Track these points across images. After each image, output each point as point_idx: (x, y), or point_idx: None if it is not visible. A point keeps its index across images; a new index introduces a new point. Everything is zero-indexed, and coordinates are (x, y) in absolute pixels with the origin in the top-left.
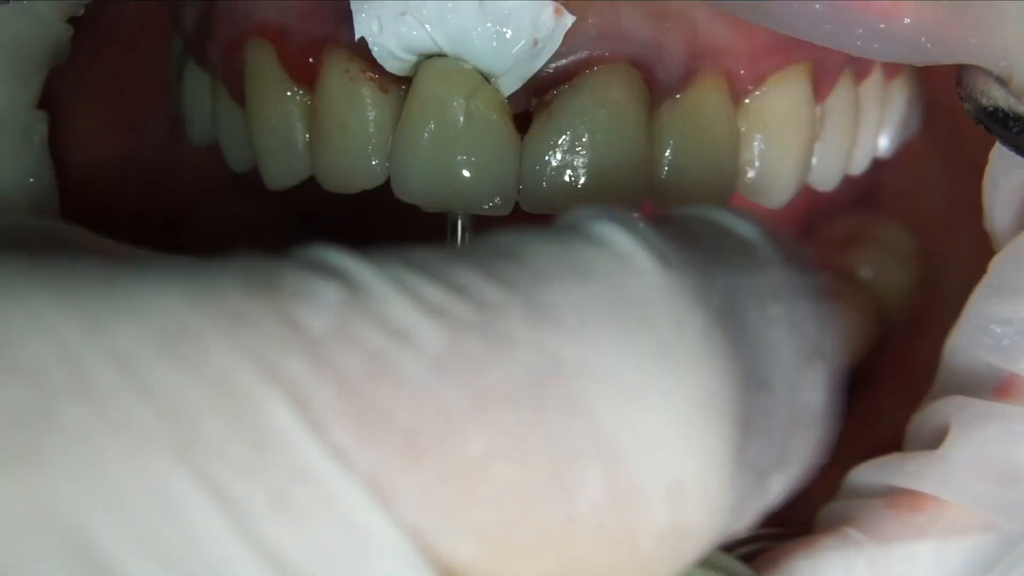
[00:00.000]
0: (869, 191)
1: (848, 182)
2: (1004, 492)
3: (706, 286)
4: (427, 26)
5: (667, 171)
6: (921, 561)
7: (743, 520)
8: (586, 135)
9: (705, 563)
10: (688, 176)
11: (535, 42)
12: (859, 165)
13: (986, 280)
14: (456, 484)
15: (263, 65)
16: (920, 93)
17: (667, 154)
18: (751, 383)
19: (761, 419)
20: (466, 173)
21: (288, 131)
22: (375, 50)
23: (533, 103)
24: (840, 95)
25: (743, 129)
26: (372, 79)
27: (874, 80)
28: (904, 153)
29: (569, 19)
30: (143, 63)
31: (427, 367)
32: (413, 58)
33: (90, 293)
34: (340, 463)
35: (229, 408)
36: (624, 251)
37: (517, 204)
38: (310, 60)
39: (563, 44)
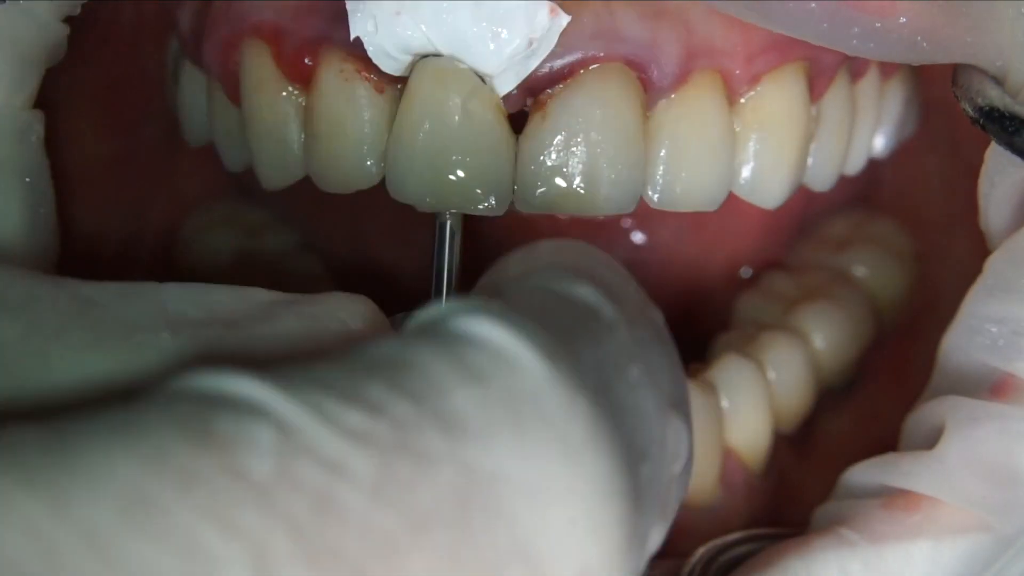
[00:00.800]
0: (866, 191)
1: (845, 182)
2: (999, 492)
3: (580, 368)
4: (422, 26)
5: (662, 171)
6: (916, 561)
7: None
8: (581, 135)
9: None
10: (683, 176)
11: (530, 42)
12: (855, 165)
13: (981, 280)
14: None
15: (258, 65)
16: (917, 93)
17: (662, 154)
18: (633, 457)
19: (646, 488)
20: (461, 173)
21: (283, 131)
22: (370, 50)
23: (528, 103)
24: (836, 95)
25: (738, 129)
26: (367, 79)
27: (870, 80)
28: (901, 153)
29: (564, 19)
30: (140, 64)
31: (365, 497)
32: (408, 58)
33: (42, 465)
34: None
35: (196, 570)
36: (508, 350)
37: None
38: (305, 60)
39: (558, 44)
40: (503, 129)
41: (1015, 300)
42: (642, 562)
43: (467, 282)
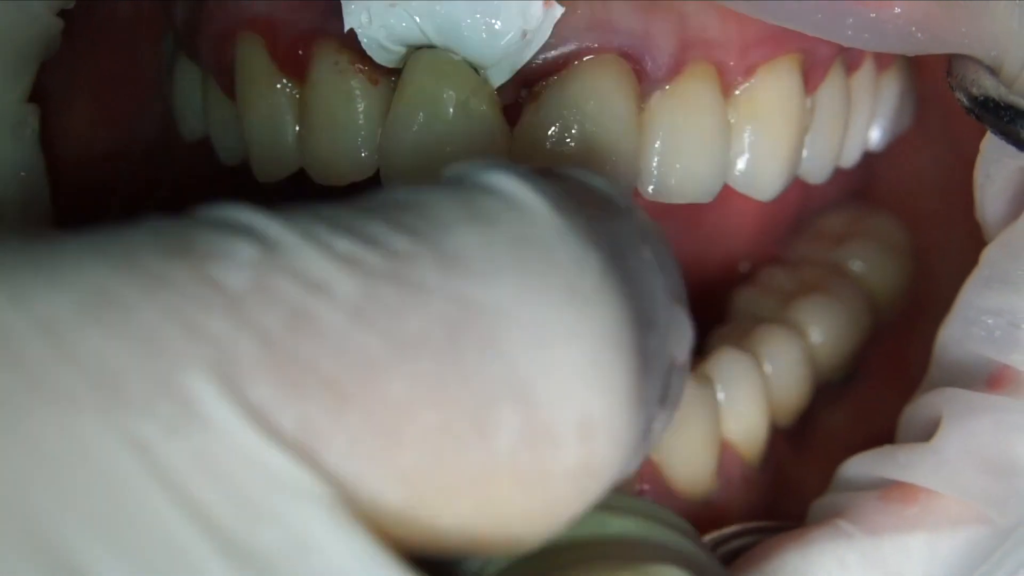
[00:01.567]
0: (863, 185)
1: (841, 175)
2: (996, 484)
3: (595, 229)
4: (416, 17)
5: (657, 163)
6: (913, 553)
7: (634, 465)
8: (575, 127)
9: (647, 515)
10: (677, 167)
11: (524, 33)
12: (850, 157)
13: (978, 271)
14: (380, 430)
15: (253, 58)
16: (913, 85)
17: (656, 145)
18: (642, 323)
19: (652, 358)
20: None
21: (278, 124)
22: (364, 42)
23: (522, 94)
24: (831, 86)
25: (733, 120)
26: (362, 71)
27: (865, 71)
28: (897, 145)
29: (558, 10)
30: (136, 57)
31: (345, 316)
32: (402, 50)
33: (12, 264)
34: (264, 421)
35: (154, 368)
36: (521, 198)
37: None
38: (299, 53)
39: (552, 35)
40: (498, 121)
41: (1012, 291)
42: (646, 449)
43: None
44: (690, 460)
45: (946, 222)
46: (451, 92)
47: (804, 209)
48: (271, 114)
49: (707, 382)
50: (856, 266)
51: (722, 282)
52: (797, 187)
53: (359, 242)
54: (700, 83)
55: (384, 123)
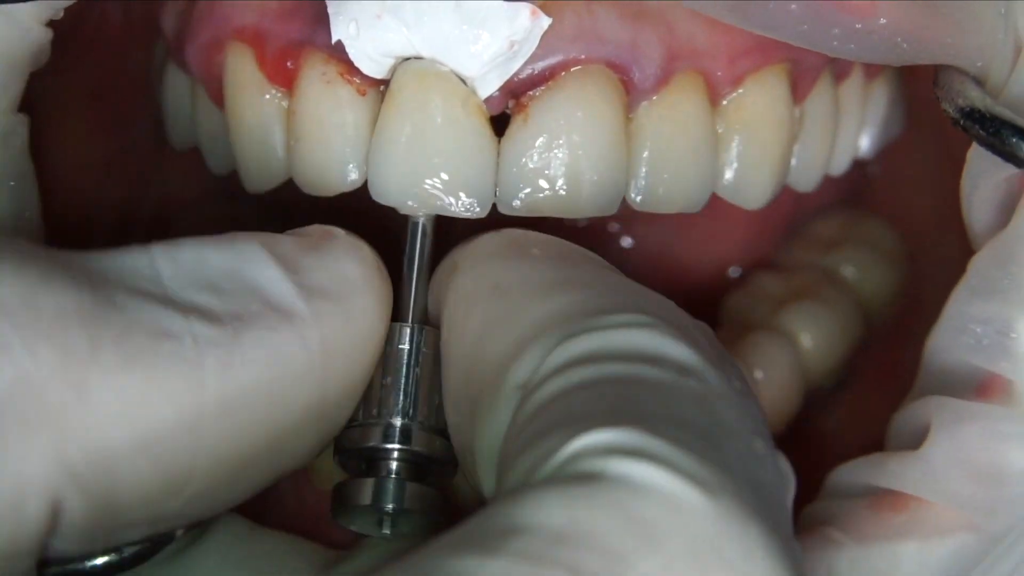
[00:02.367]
0: (855, 191)
1: (833, 182)
2: (985, 491)
3: (734, 481)
4: (404, 29)
5: (645, 172)
6: (903, 561)
7: None
8: (563, 137)
9: None
10: (666, 177)
11: (511, 44)
12: (839, 166)
13: (965, 280)
14: None
15: (241, 68)
16: (902, 94)
17: (645, 155)
18: (790, 545)
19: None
20: (443, 176)
21: (266, 134)
22: (352, 53)
23: (510, 105)
24: (819, 96)
25: (721, 130)
26: (350, 82)
27: (854, 80)
28: (889, 153)
29: (545, 21)
30: (127, 67)
31: None
32: (390, 61)
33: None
34: None
35: None
36: (670, 493)
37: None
38: (288, 63)
39: (539, 46)
40: (485, 131)
41: (999, 300)
42: None
43: None
44: None
45: (938, 228)
46: (438, 103)
47: (796, 215)
48: (259, 124)
49: None
50: (848, 272)
51: (713, 288)
52: (789, 193)
53: None
54: (688, 93)
55: (372, 133)
